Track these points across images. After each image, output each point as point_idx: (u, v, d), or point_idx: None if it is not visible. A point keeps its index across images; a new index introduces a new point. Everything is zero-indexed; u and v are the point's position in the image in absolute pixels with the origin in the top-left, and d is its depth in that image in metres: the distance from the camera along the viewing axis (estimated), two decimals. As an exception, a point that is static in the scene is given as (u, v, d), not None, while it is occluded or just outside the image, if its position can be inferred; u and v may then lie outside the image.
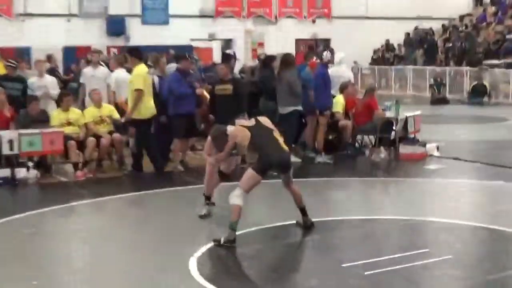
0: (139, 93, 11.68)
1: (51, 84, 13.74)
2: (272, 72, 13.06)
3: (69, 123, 12.19)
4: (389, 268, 6.91)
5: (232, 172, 9.00)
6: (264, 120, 8.40)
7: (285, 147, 8.29)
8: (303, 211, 8.47)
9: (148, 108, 11.84)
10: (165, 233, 8.41)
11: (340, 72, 14.57)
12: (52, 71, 16.67)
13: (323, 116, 13.24)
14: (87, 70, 14.44)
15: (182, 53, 13.42)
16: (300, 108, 12.80)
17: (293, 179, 8.44)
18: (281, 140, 8.27)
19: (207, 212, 8.97)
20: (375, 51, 34.40)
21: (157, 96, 12.37)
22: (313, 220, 8.51)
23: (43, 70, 13.93)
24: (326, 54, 13.65)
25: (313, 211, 9.08)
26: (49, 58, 18.52)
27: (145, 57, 12.86)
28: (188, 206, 9.52)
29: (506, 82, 25.89)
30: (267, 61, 13.51)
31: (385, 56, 33.85)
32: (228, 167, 8.86)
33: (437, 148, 13.52)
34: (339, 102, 13.66)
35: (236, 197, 7.85)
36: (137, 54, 12.09)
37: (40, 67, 13.89)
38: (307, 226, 8.44)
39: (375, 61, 33.89)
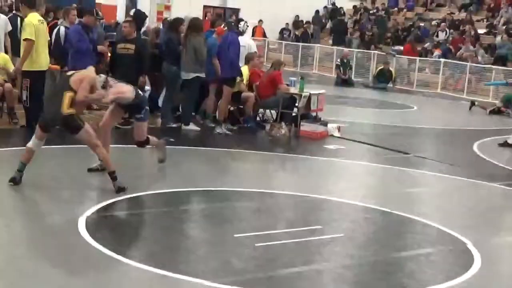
0: (29, 43, 11.04)
1: None
2: (178, 36, 12.71)
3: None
4: (280, 242, 6.90)
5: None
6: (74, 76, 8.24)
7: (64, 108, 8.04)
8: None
9: (41, 59, 11.29)
10: (54, 192, 8.03)
11: (244, 42, 14.22)
12: None
13: (228, 85, 12.97)
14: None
15: (87, 7, 12.93)
16: (203, 75, 12.53)
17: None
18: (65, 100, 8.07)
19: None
20: (284, 28, 34.34)
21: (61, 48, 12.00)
22: (210, 189, 8.55)
23: None
24: (243, 24, 13.37)
25: (209, 180, 9.05)
26: None
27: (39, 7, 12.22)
28: (81, 167, 9.15)
29: (411, 69, 26.36)
30: (174, 24, 13.13)
31: (294, 33, 33.82)
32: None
33: (338, 128, 13.52)
34: (244, 73, 13.43)
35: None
36: (28, 2, 11.42)
37: None
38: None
39: (283, 37, 33.85)
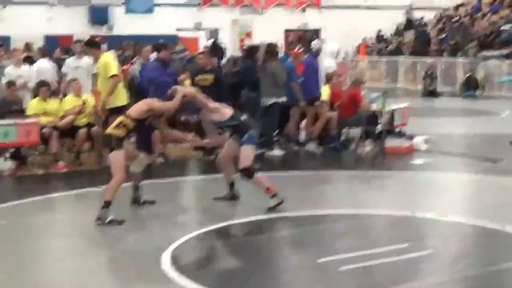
0: (117, 79, 11.39)
1: (28, 74, 13.41)
2: (255, 63, 12.75)
3: (46, 113, 11.91)
4: (366, 263, 6.73)
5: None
6: None
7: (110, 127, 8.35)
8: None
9: (123, 94, 11.55)
10: (141, 226, 8.11)
11: (325, 62, 14.21)
12: (29, 60, 16.27)
13: (312, 106, 12.90)
14: (70, 61, 14.10)
15: (162, 42, 13.13)
16: (283, 99, 12.52)
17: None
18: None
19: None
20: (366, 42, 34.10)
21: (138, 86, 12.20)
22: (296, 214, 8.53)
23: (20, 59, 13.58)
24: (315, 43, 13.32)
25: (296, 204, 8.99)
26: (28, 47, 18.11)
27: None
28: (167, 199, 9.25)
29: (500, 74, 25.62)
30: (250, 52, 13.21)
31: (376, 47, 33.54)
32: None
33: (426, 141, 13.25)
34: (324, 93, 13.38)
35: None
36: (95, 44, 11.84)
37: (16, 56, 13.53)
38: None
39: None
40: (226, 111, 8.72)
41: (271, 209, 8.55)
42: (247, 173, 8.67)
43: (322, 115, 12.94)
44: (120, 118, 8.29)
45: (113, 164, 8.23)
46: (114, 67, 11.41)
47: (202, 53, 12.64)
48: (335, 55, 14.72)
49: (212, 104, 8.77)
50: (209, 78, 11.99)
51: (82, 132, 11.91)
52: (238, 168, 8.79)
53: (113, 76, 11.33)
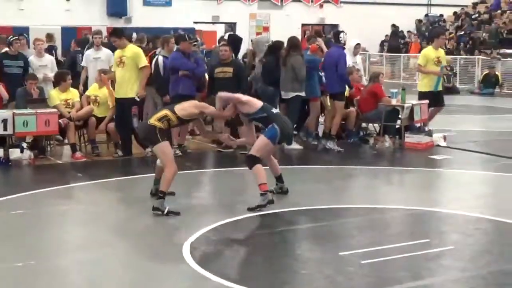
0: (147, 69, 11.67)
1: (51, 64, 13.43)
2: (277, 60, 12.63)
3: (67, 104, 11.93)
4: (387, 258, 6.73)
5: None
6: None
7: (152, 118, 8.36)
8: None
9: (137, 86, 11.59)
10: (160, 218, 8.10)
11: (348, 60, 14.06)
12: (50, 50, 16.29)
13: (338, 100, 12.85)
14: (90, 53, 14.11)
15: (181, 34, 13.11)
16: (303, 94, 12.47)
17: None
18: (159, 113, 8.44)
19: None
20: (384, 40, 33.94)
21: (162, 77, 12.34)
22: (315, 207, 8.54)
23: (42, 49, 13.58)
24: (343, 36, 13.15)
25: (315, 199, 9.00)
26: (49, 37, 18.14)
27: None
28: (185, 191, 9.24)
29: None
30: (274, 48, 13.05)
31: (394, 44, 33.37)
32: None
33: (444, 138, 13.18)
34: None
35: None
36: (123, 34, 11.91)
37: (38, 46, 13.53)
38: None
39: (383, 49, 33.47)
40: (255, 103, 8.69)
41: (251, 209, 8.27)
42: (251, 161, 8.51)
43: (340, 110, 12.84)
44: (165, 112, 8.33)
45: (164, 156, 8.27)
46: (144, 58, 11.61)
47: (224, 45, 12.54)
48: (354, 51, 14.59)
49: (245, 97, 8.76)
50: (228, 71, 11.94)
51: (92, 121, 11.93)
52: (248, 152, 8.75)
53: (145, 67, 11.48)
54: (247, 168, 8.61)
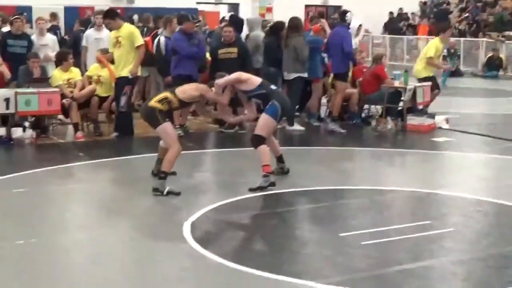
0: (143, 48, 11.57)
1: (52, 43, 13.39)
2: (278, 40, 12.58)
3: (69, 84, 11.91)
4: (387, 239, 6.72)
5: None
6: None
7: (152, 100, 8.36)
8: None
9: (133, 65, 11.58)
10: (161, 197, 8.11)
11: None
12: (53, 30, 16.25)
13: (341, 80, 12.78)
14: (90, 33, 14.05)
15: (184, 14, 13.03)
16: (305, 75, 12.44)
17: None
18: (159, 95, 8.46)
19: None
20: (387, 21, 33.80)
21: (163, 57, 12.32)
22: (316, 188, 8.56)
23: (44, 28, 13.53)
24: (350, 15, 13.00)
25: (316, 180, 9.00)
26: (54, 16, 18.07)
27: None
28: (186, 171, 9.25)
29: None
30: (275, 28, 12.99)
31: (397, 25, 33.24)
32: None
33: (447, 120, 13.16)
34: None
35: None
36: (116, 14, 11.84)
37: (40, 25, 13.48)
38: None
39: (387, 30, 33.33)
40: (254, 80, 8.66)
41: (252, 190, 8.27)
42: (257, 140, 8.50)
43: (341, 91, 12.79)
44: (165, 94, 8.34)
45: (167, 137, 8.27)
46: (140, 37, 11.55)
47: (227, 26, 12.49)
48: (356, 32, 14.50)
49: (244, 75, 8.71)
50: (233, 51, 11.92)
51: (95, 100, 11.92)
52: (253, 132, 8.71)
53: (140, 46, 11.41)
54: (250, 148, 8.60)
